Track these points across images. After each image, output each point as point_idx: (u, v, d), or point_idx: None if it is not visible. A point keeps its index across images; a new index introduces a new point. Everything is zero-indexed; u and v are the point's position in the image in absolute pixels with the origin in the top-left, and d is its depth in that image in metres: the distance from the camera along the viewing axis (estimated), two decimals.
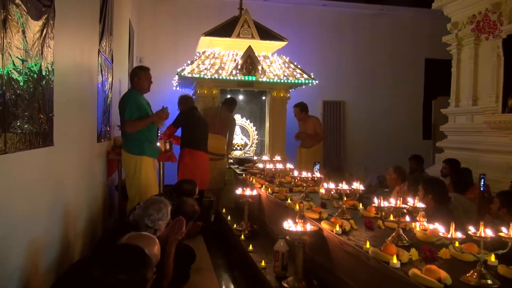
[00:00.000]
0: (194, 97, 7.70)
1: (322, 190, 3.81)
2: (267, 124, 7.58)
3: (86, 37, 3.88)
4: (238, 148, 7.68)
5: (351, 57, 10.28)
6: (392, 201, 2.67)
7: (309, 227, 2.95)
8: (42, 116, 2.51)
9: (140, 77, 4.63)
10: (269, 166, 5.45)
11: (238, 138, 7.72)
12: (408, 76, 10.53)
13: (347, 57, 10.27)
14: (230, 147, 7.00)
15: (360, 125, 10.24)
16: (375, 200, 2.77)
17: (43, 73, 2.52)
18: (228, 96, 7.35)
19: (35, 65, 2.39)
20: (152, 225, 2.81)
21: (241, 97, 8.08)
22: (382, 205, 2.67)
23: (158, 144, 5.07)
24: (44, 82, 2.54)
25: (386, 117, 10.35)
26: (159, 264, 2.29)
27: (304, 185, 4.25)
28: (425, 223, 2.83)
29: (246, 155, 7.71)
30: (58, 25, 2.75)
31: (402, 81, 10.49)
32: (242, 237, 4.40)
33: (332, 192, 3.60)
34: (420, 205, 2.77)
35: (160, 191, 4.98)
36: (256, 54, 7.05)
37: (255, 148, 7.93)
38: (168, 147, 5.81)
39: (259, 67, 7.02)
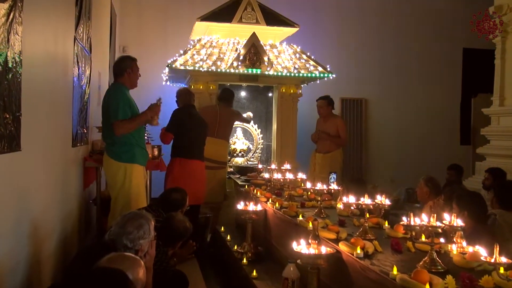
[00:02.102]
0: None
1: (340, 205, 3.81)
2: (274, 126, 7.59)
3: (60, 22, 3.91)
4: (240, 154, 7.68)
5: (374, 47, 10.28)
6: (424, 219, 2.66)
7: (324, 249, 2.94)
8: (7, 116, 2.52)
9: (133, 69, 4.69)
10: (277, 176, 5.44)
11: (240, 142, 7.72)
12: (442, 70, 10.53)
13: (370, 46, 10.28)
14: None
15: (385, 127, 10.22)
16: (404, 217, 2.76)
17: (9, 65, 2.54)
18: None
19: (0, 55, 2.40)
20: (131, 245, 2.80)
21: (243, 93, 8.10)
22: (412, 223, 2.66)
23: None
24: (10, 75, 2.55)
25: (416, 118, 10.33)
26: None
27: (319, 199, 4.24)
28: (463, 245, 2.82)
29: (249, 162, 7.71)
30: (27, 7, 2.77)
31: (436, 75, 10.48)
32: (245, 260, 4.39)
33: (352, 208, 3.59)
34: (459, 223, 2.75)
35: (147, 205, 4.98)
36: (261, 42, 7.06)
37: (259, 155, 7.94)
38: (156, 153, 5.82)
39: (265, 58, 7.02)
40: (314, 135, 7.31)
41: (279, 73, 7.09)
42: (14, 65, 2.61)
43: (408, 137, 10.24)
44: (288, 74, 7.12)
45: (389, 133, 10.22)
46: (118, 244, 2.80)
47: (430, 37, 10.46)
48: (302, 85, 7.63)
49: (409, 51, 10.39)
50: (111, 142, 4.61)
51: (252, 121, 7.86)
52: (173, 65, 6.84)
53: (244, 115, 7.41)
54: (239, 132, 7.76)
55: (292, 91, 7.43)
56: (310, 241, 2.97)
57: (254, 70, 6.97)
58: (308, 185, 4.66)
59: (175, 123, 5.79)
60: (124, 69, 4.66)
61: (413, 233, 2.71)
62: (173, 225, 3.90)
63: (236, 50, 7.20)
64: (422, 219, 2.65)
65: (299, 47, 7.70)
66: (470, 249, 2.76)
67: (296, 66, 7.28)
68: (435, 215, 2.70)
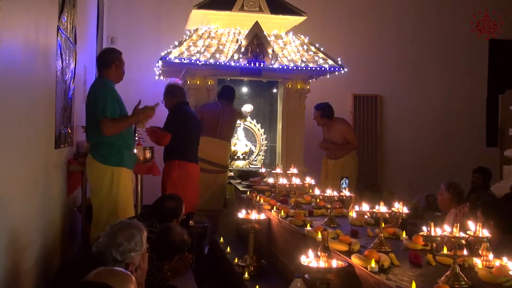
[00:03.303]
0: None
1: (353, 214, 3.81)
2: (279, 126, 7.59)
3: (41, 10, 3.91)
4: (241, 157, 7.68)
5: (391, 38, 10.25)
6: (446, 229, 2.66)
7: (335, 262, 2.94)
8: None
9: (120, 61, 4.72)
10: (282, 181, 5.44)
11: (241, 144, 7.72)
12: (466, 63, 10.48)
13: (386, 37, 10.25)
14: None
15: (402, 127, 10.18)
16: (424, 227, 2.76)
17: None
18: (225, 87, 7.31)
19: None
20: (121, 258, 2.79)
21: (245, 89, 8.10)
22: (432, 233, 2.66)
23: (135, 151, 5.08)
24: None
25: (437, 116, 10.29)
26: None
27: (329, 206, 4.23)
28: (490, 258, 2.81)
29: (251, 166, 7.70)
30: None
31: (459, 69, 10.44)
32: (246, 275, 4.37)
33: (366, 217, 3.58)
34: (485, 233, 2.74)
35: (137, 213, 4.98)
36: (265, 33, 7.06)
37: (263, 158, 7.94)
38: (148, 155, 5.82)
39: (269, 50, 7.01)
40: (321, 145, 7.37)
41: (285, 67, 7.08)
42: None
43: (428, 137, 10.19)
44: (295, 67, 7.11)
45: (407, 133, 10.16)
46: (106, 257, 2.79)
47: (453, 28, 10.42)
48: (310, 80, 7.61)
49: (429, 43, 10.36)
50: (97, 143, 4.61)
51: (255, 120, 7.87)
52: (167, 58, 6.83)
53: (242, 109, 7.42)
54: (240, 133, 7.74)
55: (299, 86, 7.42)
56: (319, 253, 2.96)
57: (257, 64, 6.96)
58: (317, 191, 4.66)
59: (177, 123, 5.80)
60: (112, 61, 4.68)
61: (434, 245, 2.71)
62: (170, 238, 3.90)
63: (237, 41, 7.20)
64: (443, 229, 2.65)
65: (307, 38, 7.70)
66: (497, 262, 2.75)
67: (304, 59, 7.27)
68: (458, 224, 2.69)
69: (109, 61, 4.68)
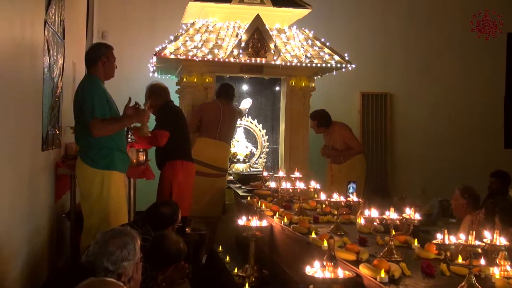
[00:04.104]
0: (177, 87, 7.73)
1: (361, 220, 3.79)
2: (282, 126, 7.59)
3: (27, 2, 3.92)
4: (241, 159, 7.68)
5: (402, 32, 10.24)
6: (461, 237, 2.66)
7: (342, 272, 2.91)
8: None
9: (109, 58, 4.71)
10: (285, 185, 5.43)
11: (241, 145, 7.73)
12: (483, 59, 10.46)
13: (396, 32, 10.21)
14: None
15: (414, 127, 10.15)
16: (437, 235, 2.77)
17: None
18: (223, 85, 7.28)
19: None
20: (113, 268, 2.79)
21: (245, 87, 8.11)
22: (446, 241, 2.66)
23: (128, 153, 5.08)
24: None
25: (452, 116, 10.25)
26: None
27: (335, 213, 4.22)
28: (508, 268, 2.81)
29: (252, 169, 7.71)
30: None
31: (475, 66, 10.41)
32: (247, 286, 4.34)
33: (375, 223, 3.57)
34: (502, 241, 2.74)
35: (130, 220, 4.99)
36: (267, 26, 7.06)
37: (264, 160, 7.94)
38: (142, 158, 5.83)
39: (271, 45, 7.01)
40: (322, 151, 7.42)
41: (288, 63, 7.06)
42: None
43: (442, 138, 10.14)
44: (298, 64, 7.09)
45: (419, 133, 10.12)
46: (97, 266, 2.78)
47: (468, 21, 10.41)
48: (315, 77, 7.60)
49: (443, 38, 10.32)
50: (86, 145, 4.60)
51: (256, 121, 7.87)
52: (162, 54, 6.82)
53: (240, 107, 7.43)
54: (240, 133, 7.75)
55: (303, 84, 7.41)
56: (325, 263, 2.94)
57: (258, 60, 6.96)
58: (323, 196, 4.57)
59: (173, 120, 5.82)
60: (98, 57, 4.66)
61: (448, 254, 2.70)
62: (165, 246, 3.90)
63: (237, 35, 7.19)
64: (458, 237, 2.65)
65: (312, 32, 7.69)
66: None
67: (309, 55, 7.25)
68: (473, 232, 2.68)
69: (96, 58, 4.66)
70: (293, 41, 7.45)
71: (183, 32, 7.25)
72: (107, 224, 4.43)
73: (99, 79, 4.66)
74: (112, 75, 4.79)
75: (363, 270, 2.94)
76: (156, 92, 5.98)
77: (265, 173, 6.33)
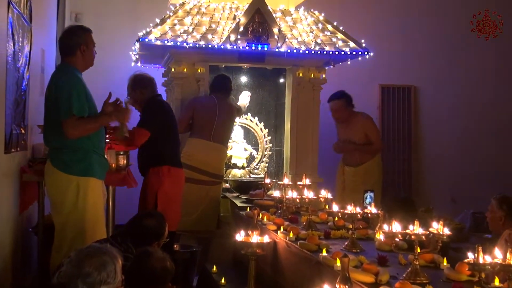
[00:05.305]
0: (164, 79, 7.71)
1: (380, 236, 3.79)
2: (287, 125, 7.59)
3: None
4: (239, 164, 7.67)
5: (428, 14, 10.23)
6: (498, 255, 2.63)
7: None
8: None
9: (88, 45, 4.73)
10: (291, 194, 5.44)
11: (238, 147, 7.73)
12: None
13: (421, 13, 10.23)
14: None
15: (443, 126, 10.14)
16: (469, 253, 2.84)
17: None
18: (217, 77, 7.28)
19: None
20: None
21: (244, 79, 8.12)
22: (481, 261, 2.70)
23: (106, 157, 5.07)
24: None
25: (487, 114, 10.20)
26: None
27: (350, 226, 4.25)
28: None
29: (252, 176, 7.71)
30: None
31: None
32: None
33: (397, 239, 3.54)
34: None
35: (108, 235, 4.99)
36: (269, 7, 7.07)
37: (267, 165, 7.94)
38: (123, 162, 5.81)
39: (275, 30, 7.01)
40: (336, 146, 7.37)
41: (295, 51, 7.05)
42: None
43: (476, 139, 10.08)
44: (307, 51, 7.09)
45: (449, 133, 10.10)
46: None
47: (506, 4, 10.38)
48: (326, 68, 7.63)
49: (477, 22, 10.31)
50: (58, 147, 4.60)
51: (257, 118, 7.88)
52: (146, 39, 6.83)
53: (238, 103, 7.41)
54: (237, 133, 7.78)
55: (312, 75, 7.43)
56: (338, 286, 2.95)
57: (260, 47, 6.95)
58: (335, 207, 4.62)
59: (160, 119, 5.79)
60: (77, 45, 4.67)
61: (483, 275, 2.79)
62: (149, 265, 3.87)
63: (234, 18, 7.21)
64: (495, 255, 2.64)
65: (323, 15, 7.69)
66: None
67: (319, 41, 7.26)
68: None
69: (74, 46, 4.67)
70: (300, 24, 7.46)
71: (171, 14, 7.27)
72: (82, 239, 4.48)
73: (77, 70, 4.66)
74: (91, 64, 4.83)
75: None
76: (141, 84, 5.97)
77: (267, 180, 6.32)
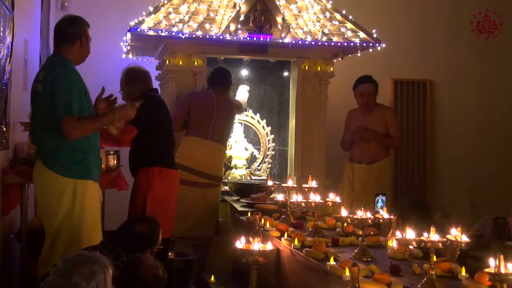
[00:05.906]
0: (159, 71, 7.71)
1: (393, 243, 3.77)
2: (291, 122, 7.60)
3: None
4: (240, 165, 7.66)
5: (445, 5, 10.21)
6: None
7: None
8: None
9: (88, 38, 4.73)
10: (296, 198, 5.43)
11: (239, 147, 7.72)
12: None
13: (438, 4, 10.21)
14: None
15: (461, 124, 10.14)
16: (490, 261, 2.83)
17: None
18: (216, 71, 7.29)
19: None
20: None
21: (245, 72, 8.13)
22: (502, 270, 2.73)
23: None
24: None
25: (510, 111, 10.22)
26: None
27: (360, 233, 4.27)
28: None
29: (253, 177, 7.72)
30: None
31: None
32: None
33: (411, 247, 3.53)
34: None
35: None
36: None
37: (269, 166, 7.95)
38: (113, 162, 5.81)
39: (279, 19, 7.01)
40: (356, 131, 7.27)
41: (300, 41, 7.05)
42: None
43: (497, 139, 10.13)
44: (313, 42, 7.09)
45: (468, 132, 10.11)
46: None
47: None
48: (334, 60, 7.62)
49: (499, 10, 10.29)
50: (54, 147, 4.55)
51: (258, 115, 7.89)
52: (138, 29, 6.81)
53: (237, 98, 7.41)
54: (237, 131, 7.80)
55: (319, 68, 7.42)
56: None
57: (262, 37, 6.94)
58: (344, 212, 4.61)
59: (153, 115, 5.77)
60: (78, 35, 4.65)
61: (505, 286, 2.78)
62: (140, 273, 3.86)
63: (234, 6, 7.16)
64: None
65: (330, 2, 7.66)
66: None
67: (326, 31, 7.24)
68: None
69: (74, 36, 4.64)
70: (306, 13, 7.41)
71: (165, 1, 7.21)
72: (79, 247, 4.38)
73: (71, 63, 4.65)
74: (84, 59, 4.81)
75: None
76: (133, 76, 5.97)
77: (270, 183, 6.30)
